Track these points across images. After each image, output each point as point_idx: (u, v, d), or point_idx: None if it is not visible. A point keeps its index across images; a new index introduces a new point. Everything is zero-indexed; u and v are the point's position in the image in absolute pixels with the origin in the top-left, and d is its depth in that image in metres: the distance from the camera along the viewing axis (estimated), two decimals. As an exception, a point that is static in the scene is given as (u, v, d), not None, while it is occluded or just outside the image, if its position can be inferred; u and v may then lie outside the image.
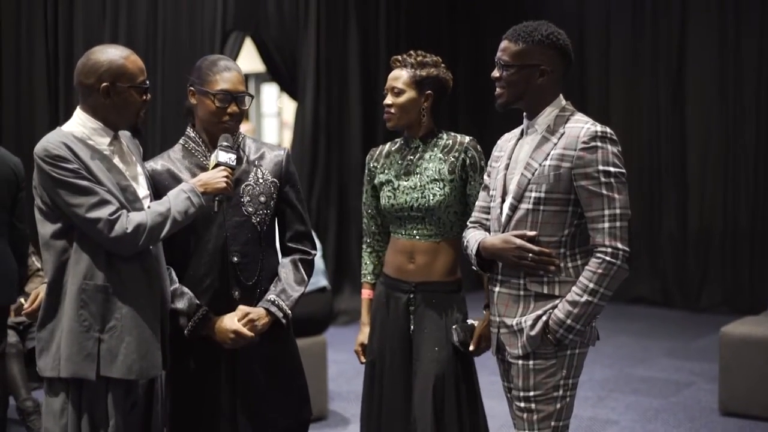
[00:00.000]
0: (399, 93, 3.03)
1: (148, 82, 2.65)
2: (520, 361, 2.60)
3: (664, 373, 5.88)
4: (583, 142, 2.52)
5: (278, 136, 10.55)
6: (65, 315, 2.53)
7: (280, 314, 2.81)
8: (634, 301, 8.15)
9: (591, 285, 2.50)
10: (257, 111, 10.41)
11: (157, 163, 2.85)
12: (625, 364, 6.08)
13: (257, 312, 2.79)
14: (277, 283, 2.86)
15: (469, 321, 3.05)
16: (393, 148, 3.18)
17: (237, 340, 2.75)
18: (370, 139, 7.60)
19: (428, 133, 3.10)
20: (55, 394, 2.57)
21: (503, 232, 2.63)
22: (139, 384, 2.67)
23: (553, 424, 2.58)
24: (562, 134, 2.57)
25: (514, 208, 2.61)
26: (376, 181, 3.17)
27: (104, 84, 2.56)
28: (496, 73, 2.64)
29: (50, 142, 2.51)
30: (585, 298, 2.50)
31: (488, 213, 2.77)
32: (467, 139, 3.08)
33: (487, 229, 2.76)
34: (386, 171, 3.13)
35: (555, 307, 2.55)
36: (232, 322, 2.75)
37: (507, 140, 2.79)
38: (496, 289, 2.67)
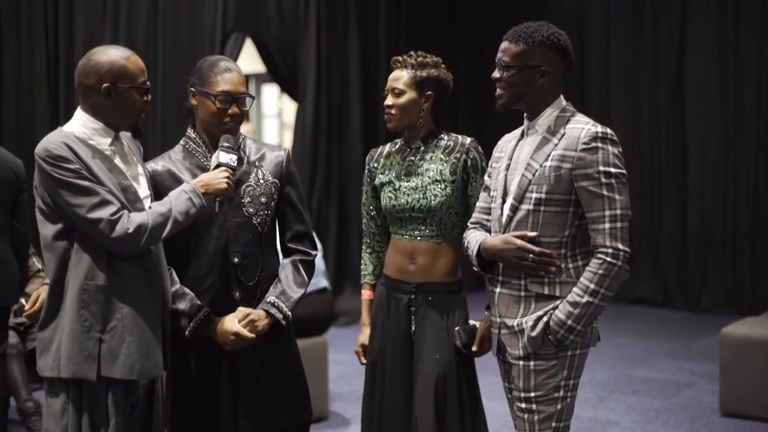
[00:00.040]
0: (399, 94, 3.04)
1: (149, 83, 2.65)
2: (521, 362, 2.60)
3: (665, 373, 5.88)
4: (584, 143, 2.52)
5: (279, 136, 10.55)
6: (66, 315, 2.53)
7: (279, 316, 2.81)
8: (635, 301, 8.15)
9: (592, 286, 2.50)
10: (258, 112, 10.41)
11: (158, 164, 2.85)
12: (625, 365, 6.08)
13: (257, 313, 2.79)
14: (277, 284, 2.86)
15: (471, 322, 3.05)
16: (393, 149, 3.18)
17: (237, 342, 2.75)
18: (371, 140, 7.60)
19: (429, 134, 3.10)
20: (55, 394, 2.57)
21: (504, 232, 2.63)
22: (140, 384, 2.67)
23: (553, 424, 2.58)
24: (563, 135, 2.57)
25: (514, 209, 2.61)
26: (376, 182, 3.17)
27: (105, 85, 2.56)
28: (496, 74, 2.64)
29: (51, 142, 2.52)
30: (586, 299, 2.50)
31: (489, 214, 2.77)
32: (468, 140, 3.08)
33: (488, 230, 2.76)
34: (387, 172, 3.13)
35: (556, 307, 2.55)
36: (232, 323, 2.76)
37: (507, 141, 2.79)
38: (497, 289, 2.67)
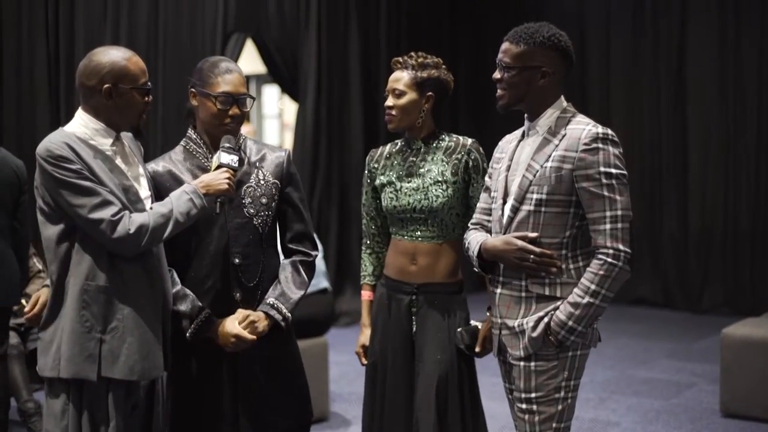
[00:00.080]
0: (400, 94, 3.04)
1: (150, 84, 2.65)
2: (522, 363, 2.60)
3: (666, 374, 5.88)
4: (585, 144, 2.52)
5: (279, 137, 10.55)
6: (67, 315, 2.53)
7: (278, 317, 2.81)
8: (636, 302, 8.15)
9: (592, 287, 2.50)
10: (258, 112, 10.41)
11: (158, 165, 2.85)
12: (626, 366, 6.08)
13: (257, 314, 2.79)
14: (277, 285, 2.86)
15: (472, 322, 3.05)
16: (393, 150, 3.18)
17: (238, 343, 2.76)
18: (371, 141, 7.60)
19: (429, 135, 3.10)
20: (55, 395, 2.57)
21: (504, 233, 2.63)
22: (141, 385, 2.67)
23: (554, 425, 2.58)
24: (564, 136, 2.57)
25: (515, 210, 2.61)
26: (376, 183, 3.17)
27: (106, 85, 2.56)
28: (497, 75, 2.64)
29: (53, 142, 2.51)
30: (586, 299, 2.50)
31: (489, 214, 2.77)
32: (470, 141, 3.08)
33: (489, 231, 2.76)
34: (387, 172, 3.13)
35: (557, 308, 2.55)
36: (233, 325, 2.76)
37: (508, 142, 2.79)
38: (498, 290, 2.67)
